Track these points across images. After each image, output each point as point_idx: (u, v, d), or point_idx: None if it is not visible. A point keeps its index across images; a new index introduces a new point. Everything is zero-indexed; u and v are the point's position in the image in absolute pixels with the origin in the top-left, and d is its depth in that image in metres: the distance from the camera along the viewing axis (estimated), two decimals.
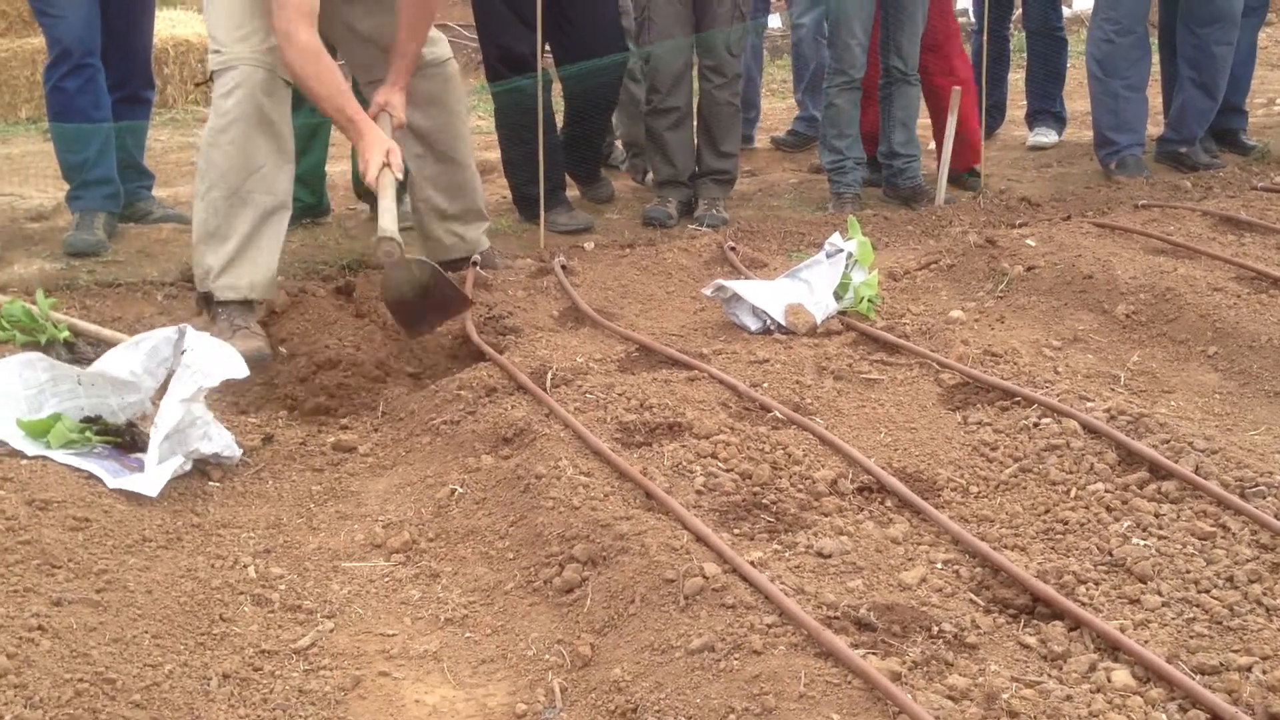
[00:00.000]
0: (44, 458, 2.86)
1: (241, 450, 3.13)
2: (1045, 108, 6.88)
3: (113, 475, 2.86)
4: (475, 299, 4.13)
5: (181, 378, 2.95)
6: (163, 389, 3.04)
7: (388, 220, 3.65)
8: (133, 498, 2.82)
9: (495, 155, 5.74)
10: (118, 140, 5.07)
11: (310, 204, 5.28)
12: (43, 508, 2.63)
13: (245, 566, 2.65)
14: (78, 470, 2.85)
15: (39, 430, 2.93)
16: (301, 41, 3.69)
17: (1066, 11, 12.53)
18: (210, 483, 3.02)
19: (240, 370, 3.05)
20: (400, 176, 3.80)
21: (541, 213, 5.11)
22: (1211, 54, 5.92)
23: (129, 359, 3.08)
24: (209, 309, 3.91)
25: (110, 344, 3.75)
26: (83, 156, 4.99)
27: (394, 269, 3.69)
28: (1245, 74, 6.45)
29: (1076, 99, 7.35)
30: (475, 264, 4.43)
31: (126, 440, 3.03)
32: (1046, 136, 6.83)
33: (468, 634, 2.46)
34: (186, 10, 8.96)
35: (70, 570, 2.45)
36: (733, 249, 4.76)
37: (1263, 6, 6.56)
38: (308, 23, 3.70)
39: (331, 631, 2.45)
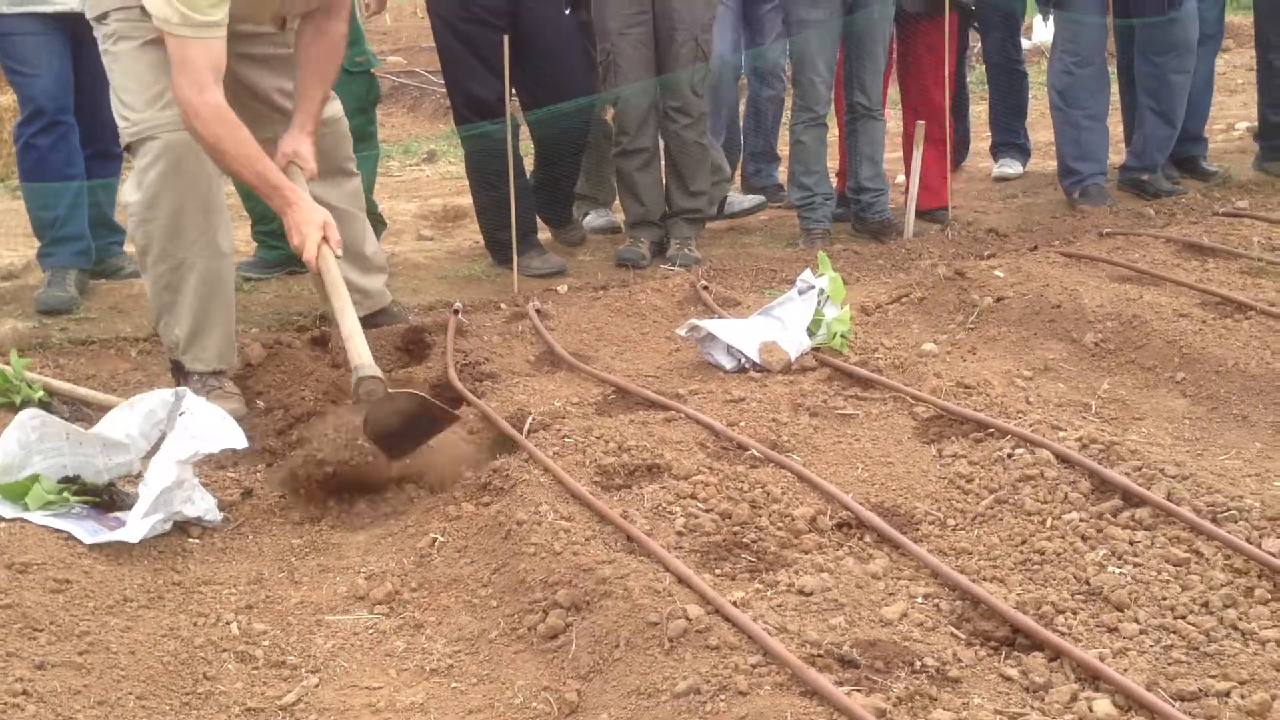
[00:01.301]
0: (22, 520, 2.85)
1: (223, 515, 3.13)
2: (1009, 140, 6.98)
3: (91, 534, 2.85)
4: (455, 345, 4.16)
5: (178, 439, 2.96)
6: (152, 450, 3.05)
7: (365, 354, 3.26)
8: (113, 558, 2.81)
9: (467, 201, 5.78)
10: (89, 196, 5.08)
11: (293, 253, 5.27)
12: (23, 570, 2.62)
13: (228, 624, 2.65)
14: (56, 531, 2.84)
15: (16, 493, 2.92)
16: (213, 101, 3.40)
17: (1026, 44, 12.71)
18: (190, 540, 3.02)
19: (239, 441, 3.05)
20: (340, 253, 3.52)
21: (514, 257, 5.15)
22: (1169, 82, 6.03)
23: (125, 421, 3.09)
24: (181, 375, 3.84)
25: (85, 402, 3.77)
26: (54, 214, 4.99)
27: (377, 405, 3.22)
28: (1204, 101, 6.57)
29: (1039, 129, 7.46)
30: (456, 312, 4.45)
31: (105, 500, 3.03)
32: (1011, 168, 6.92)
33: (454, 684, 2.46)
34: None
35: (52, 633, 2.44)
36: (705, 288, 4.80)
37: (1218, 34, 6.69)
38: (217, 80, 3.42)
39: (317, 687, 2.45)
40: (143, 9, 3.48)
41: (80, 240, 5.07)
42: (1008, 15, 6.70)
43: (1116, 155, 6.55)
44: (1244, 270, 4.62)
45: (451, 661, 2.53)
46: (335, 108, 4.26)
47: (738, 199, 6.18)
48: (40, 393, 3.74)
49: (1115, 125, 6.48)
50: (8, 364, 3.78)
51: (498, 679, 2.45)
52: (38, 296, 4.94)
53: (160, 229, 3.67)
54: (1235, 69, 10.03)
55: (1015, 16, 6.85)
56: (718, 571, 2.67)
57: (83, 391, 3.85)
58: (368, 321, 4.34)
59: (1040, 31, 11.68)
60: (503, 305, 4.84)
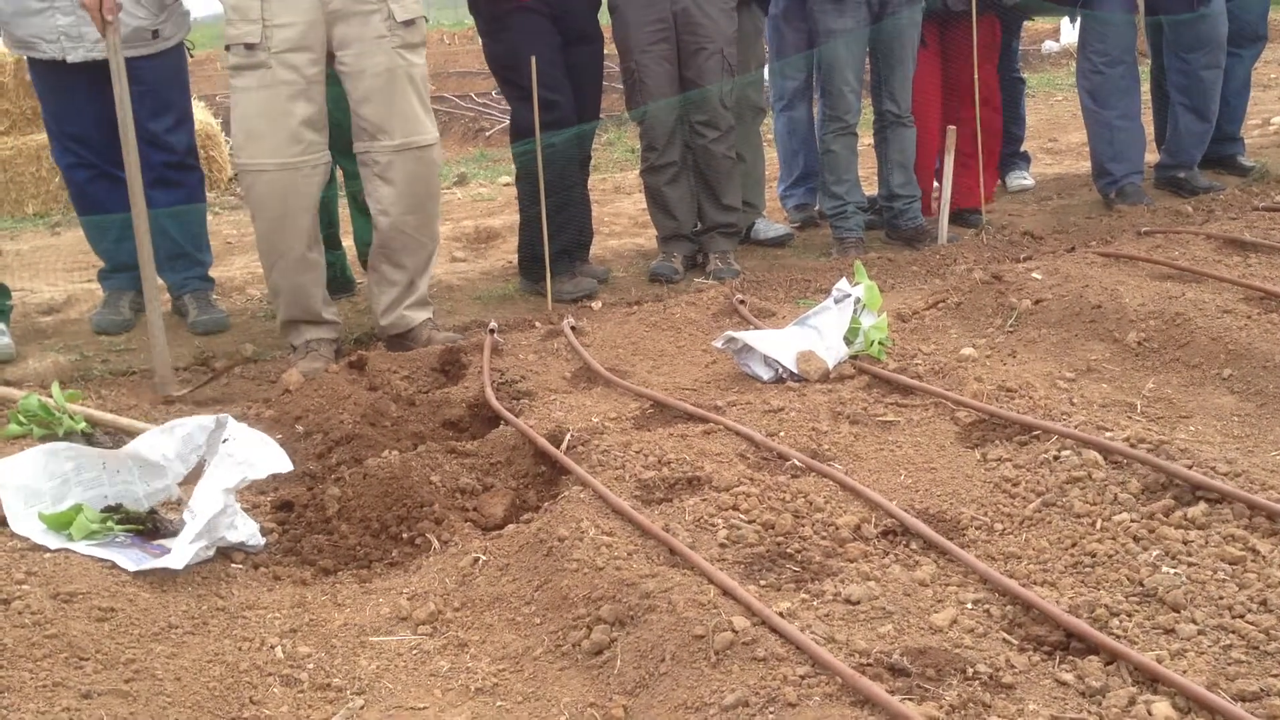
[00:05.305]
0: (67, 550, 2.86)
1: (265, 540, 3.13)
2: (1011, 150, 6.84)
3: (134, 563, 2.86)
4: (491, 364, 4.16)
5: (224, 466, 2.95)
6: (190, 476, 3.05)
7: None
8: (157, 585, 2.81)
9: (498, 222, 5.78)
10: (154, 225, 5.08)
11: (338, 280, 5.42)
12: (68, 600, 2.62)
13: (272, 647, 2.64)
14: (100, 560, 2.85)
15: (61, 523, 2.93)
16: None
17: (1054, 46, 12.61)
18: (233, 565, 3.01)
19: (284, 465, 3.06)
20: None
21: (548, 274, 5.14)
22: (1200, 79, 5.97)
23: (162, 443, 3.09)
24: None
25: (128, 432, 3.78)
26: (104, 245, 5.11)
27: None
28: (1240, 104, 6.50)
29: (1071, 130, 7.39)
30: (491, 332, 4.45)
31: (148, 527, 3.04)
32: (1024, 180, 6.80)
33: (499, 702, 2.44)
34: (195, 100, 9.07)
35: (98, 661, 2.44)
36: (740, 300, 4.78)
37: (1263, 37, 6.57)
38: None
39: (362, 708, 2.44)
40: (245, 45, 4.26)
41: (135, 269, 5.15)
42: (1007, 20, 6.38)
43: (1152, 154, 6.48)
44: None
45: (496, 680, 2.51)
46: (431, 134, 4.51)
47: (764, 226, 6.14)
48: (82, 424, 3.76)
49: (1149, 123, 6.41)
50: (50, 397, 3.80)
51: (543, 696, 2.43)
52: (92, 318, 5.09)
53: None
54: (1268, 64, 9.92)
55: (1015, 21, 6.57)
56: (762, 583, 2.64)
57: (124, 421, 3.87)
58: (402, 341, 4.51)
59: (1069, 33, 11.59)
60: (538, 323, 4.84)
